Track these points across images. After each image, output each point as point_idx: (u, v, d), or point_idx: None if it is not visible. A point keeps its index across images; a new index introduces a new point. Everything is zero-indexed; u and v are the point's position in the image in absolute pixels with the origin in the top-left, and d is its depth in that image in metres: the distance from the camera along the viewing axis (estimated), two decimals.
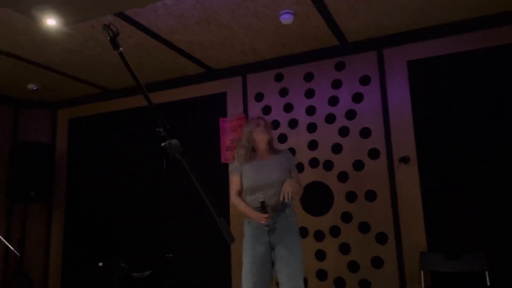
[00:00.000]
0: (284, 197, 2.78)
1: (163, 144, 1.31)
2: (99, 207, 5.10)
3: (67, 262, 5.22)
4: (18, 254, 4.20)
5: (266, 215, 2.78)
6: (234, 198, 3.04)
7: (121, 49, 1.33)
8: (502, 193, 3.38)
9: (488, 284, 3.24)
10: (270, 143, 3.06)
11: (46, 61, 4.24)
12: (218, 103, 4.62)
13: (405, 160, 3.73)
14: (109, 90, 5.20)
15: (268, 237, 2.82)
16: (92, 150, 5.31)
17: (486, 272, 3.26)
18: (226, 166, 4.48)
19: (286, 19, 3.43)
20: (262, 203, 2.78)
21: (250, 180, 2.94)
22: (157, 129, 1.32)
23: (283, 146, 4.09)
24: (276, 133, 4.18)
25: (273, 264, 2.85)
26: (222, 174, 4.42)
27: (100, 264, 4.39)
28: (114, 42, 1.30)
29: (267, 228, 2.80)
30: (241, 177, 2.99)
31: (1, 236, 3.73)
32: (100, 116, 5.33)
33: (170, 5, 3.23)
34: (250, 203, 2.93)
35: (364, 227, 3.84)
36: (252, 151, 3.02)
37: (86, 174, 5.29)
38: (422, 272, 3.49)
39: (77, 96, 5.39)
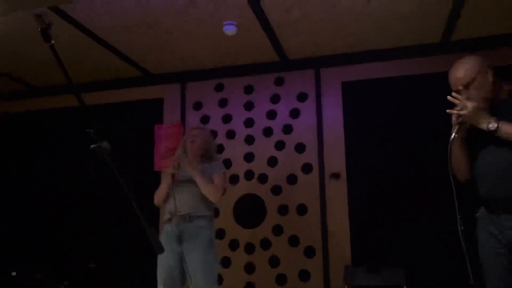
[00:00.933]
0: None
1: (92, 146, 1.24)
2: (18, 210, 4.70)
3: None
4: None
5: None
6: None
7: (52, 41, 1.25)
8: (422, 213, 3.61)
9: None
10: (205, 153, 3.02)
11: None
12: (154, 109, 4.49)
13: (335, 176, 3.88)
14: (35, 87, 4.85)
15: (179, 246, 2.77)
16: (13, 150, 4.90)
17: (404, 287, 3.45)
18: (158, 174, 4.35)
19: (229, 30, 3.45)
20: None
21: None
22: (87, 130, 1.24)
23: (219, 157, 4.06)
24: None
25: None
26: (154, 182, 4.27)
27: (13, 273, 4.04)
28: (45, 34, 1.22)
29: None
30: None
31: None
32: (23, 115, 4.95)
33: (109, 3, 3.11)
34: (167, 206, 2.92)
35: (293, 241, 3.90)
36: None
37: (5, 175, 4.86)
38: (345, 286, 3.61)
39: None
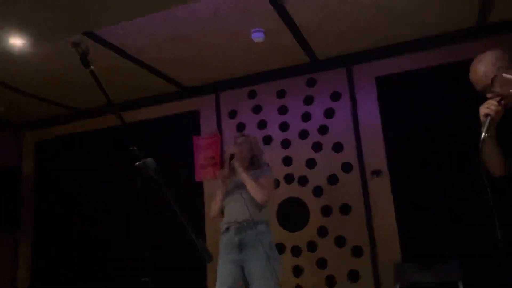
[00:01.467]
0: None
1: (137, 163, 1.28)
2: (70, 231, 4.91)
3: None
4: None
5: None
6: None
7: (92, 67, 1.31)
8: (473, 203, 3.46)
9: None
10: (252, 160, 3.04)
11: (11, 81, 4.11)
12: (191, 121, 4.58)
13: (377, 173, 3.80)
14: (78, 110, 5.07)
15: (239, 255, 2.77)
16: (62, 172, 5.13)
17: (459, 282, 3.31)
18: (200, 184, 4.43)
19: (257, 37, 3.47)
20: (231, 155, 2.89)
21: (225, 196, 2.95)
22: (131, 148, 1.29)
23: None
24: None
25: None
26: (196, 192, 4.36)
27: None
28: (84, 60, 1.28)
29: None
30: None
31: None
32: (69, 137, 5.18)
33: (139, 23, 3.22)
34: (223, 220, 2.92)
35: (340, 241, 3.85)
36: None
37: (56, 198, 5.08)
38: (397, 284, 3.52)
39: (44, 117, 5.24)
